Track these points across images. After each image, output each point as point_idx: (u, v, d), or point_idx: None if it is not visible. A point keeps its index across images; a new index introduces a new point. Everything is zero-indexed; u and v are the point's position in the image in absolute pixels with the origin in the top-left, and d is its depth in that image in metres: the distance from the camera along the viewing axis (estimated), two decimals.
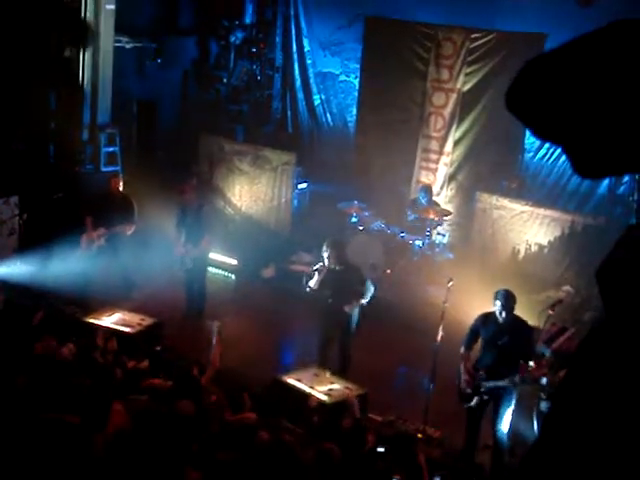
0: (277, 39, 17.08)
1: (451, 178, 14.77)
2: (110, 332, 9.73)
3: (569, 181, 13.74)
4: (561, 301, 9.95)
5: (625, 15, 1.39)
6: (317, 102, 16.76)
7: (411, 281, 13.03)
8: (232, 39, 16.31)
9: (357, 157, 15.83)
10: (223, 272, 13.88)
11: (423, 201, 13.78)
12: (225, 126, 16.48)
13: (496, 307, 8.23)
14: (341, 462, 6.38)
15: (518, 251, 13.22)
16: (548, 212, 13.07)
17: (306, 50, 16.66)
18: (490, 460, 8.65)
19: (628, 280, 1.46)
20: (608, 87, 1.33)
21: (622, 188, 13.31)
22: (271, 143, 15.90)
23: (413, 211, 13.69)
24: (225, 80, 16.55)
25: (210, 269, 12.76)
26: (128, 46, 15.10)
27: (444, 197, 14.66)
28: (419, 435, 9.00)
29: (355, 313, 10.12)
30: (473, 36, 14.13)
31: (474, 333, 8.58)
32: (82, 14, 13.58)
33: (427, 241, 13.37)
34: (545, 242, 12.99)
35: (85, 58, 13.83)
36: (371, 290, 10.10)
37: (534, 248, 13.08)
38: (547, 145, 13.39)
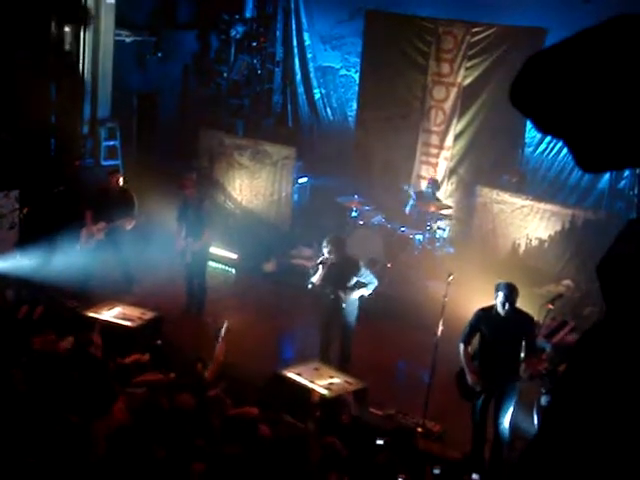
0: (277, 33, 17.06)
1: (452, 172, 14.76)
2: (101, 326, 9.72)
3: (570, 175, 13.74)
4: (561, 295, 9.94)
5: (626, 10, 1.39)
6: (317, 96, 16.75)
7: (411, 275, 13.04)
8: (232, 33, 16.29)
9: (357, 151, 15.82)
10: (223, 266, 13.88)
11: (429, 192, 13.82)
12: (225, 120, 16.47)
13: (498, 299, 8.17)
14: (345, 457, 6.40)
15: (519, 245, 13.22)
16: (549, 206, 13.07)
17: (306, 44, 16.65)
18: (489, 453, 8.65)
19: (629, 275, 1.46)
20: (610, 81, 1.33)
21: (623, 182, 13.31)
22: (271, 137, 15.89)
23: (417, 203, 13.67)
24: (225, 74, 16.53)
25: (210, 263, 12.76)
26: (128, 40, 15.08)
27: (445, 191, 14.66)
28: (419, 429, 9.01)
29: (354, 307, 10.12)
30: (474, 30, 14.11)
31: (473, 329, 8.48)
32: (82, 8, 13.57)
33: (427, 235, 13.38)
34: (545, 236, 12.98)
35: (85, 52, 13.82)
36: (374, 283, 10.10)
37: (534, 242, 13.08)
38: (548, 139, 13.39)
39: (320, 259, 10.06)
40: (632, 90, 1.32)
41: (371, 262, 12.48)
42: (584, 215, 12.80)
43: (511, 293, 8.13)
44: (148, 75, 15.77)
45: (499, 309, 8.20)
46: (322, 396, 8.69)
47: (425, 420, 9.20)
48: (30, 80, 13.33)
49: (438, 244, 13.50)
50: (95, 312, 10.39)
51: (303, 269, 13.73)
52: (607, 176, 13.12)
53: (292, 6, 16.66)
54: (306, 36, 16.61)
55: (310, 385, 8.94)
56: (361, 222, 13.68)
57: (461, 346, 8.50)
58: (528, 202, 13.18)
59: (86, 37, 13.77)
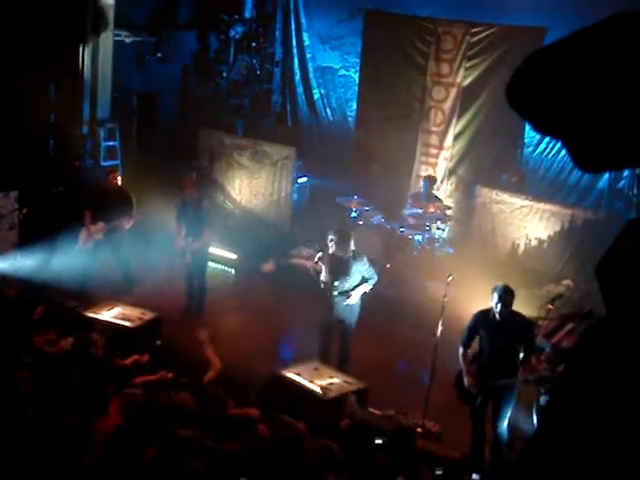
0: (277, 33, 17.07)
1: (451, 172, 14.76)
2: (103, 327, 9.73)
3: (569, 175, 13.74)
4: (561, 295, 9.93)
5: (625, 8, 1.39)
6: (317, 96, 16.75)
7: (410, 276, 13.03)
8: (232, 33, 16.29)
9: (357, 152, 15.83)
10: (223, 266, 13.88)
11: (423, 191, 13.81)
12: (225, 120, 16.47)
13: (493, 301, 8.18)
14: (342, 457, 6.40)
15: (518, 245, 13.22)
16: (548, 206, 13.07)
17: (306, 44, 16.65)
18: (489, 454, 8.65)
19: (628, 275, 1.46)
20: (608, 80, 1.33)
21: (622, 182, 13.32)
22: (271, 137, 15.89)
23: (414, 205, 13.68)
24: (225, 74, 16.53)
25: (210, 263, 12.76)
26: (128, 40, 15.08)
27: (444, 191, 14.66)
28: (418, 429, 9.00)
29: (357, 306, 10.12)
30: (473, 30, 14.11)
31: (472, 332, 8.47)
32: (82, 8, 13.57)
33: (427, 236, 13.37)
34: (545, 236, 12.99)
35: (85, 52, 13.81)
36: (374, 278, 10.10)
37: (534, 242, 13.08)
38: (547, 139, 13.39)
39: (317, 257, 10.05)
40: (631, 89, 1.32)
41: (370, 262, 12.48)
42: (583, 215, 12.81)
43: (504, 295, 8.11)
44: (148, 75, 15.77)
45: (494, 311, 8.20)
46: (325, 394, 8.69)
47: (425, 420, 9.20)
48: (29, 81, 13.34)
49: (437, 244, 13.49)
50: (95, 312, 10.39)
51: (303, 269, 13.75)
52: (606, 176, 13.13)
53: (291, 6, 16.66)
54: (305, 36, 16.61)
55: (309, 385, 8.94)
56: (360, 222, 13.68)
57: (460, 349, 8.50)
58: (527, 202, 13.19)
59: (86, 37, 13.76)
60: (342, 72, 16.39)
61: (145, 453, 5.65)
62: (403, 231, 13.43)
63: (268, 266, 13.73)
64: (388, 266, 12.99)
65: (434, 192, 14.05)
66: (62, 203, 13.08)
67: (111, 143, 14.60)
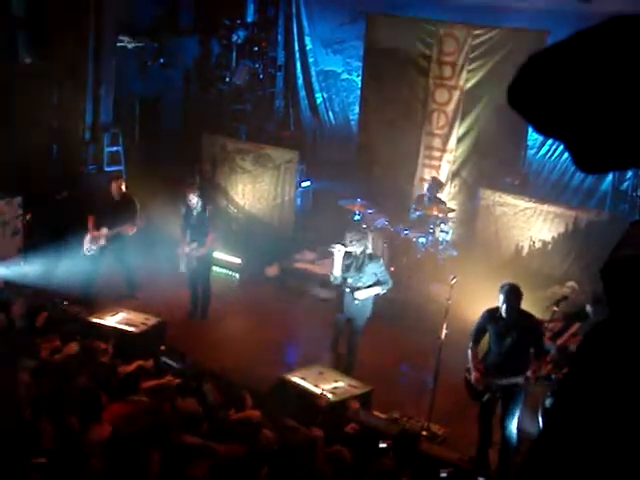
0: (279, 38, 17.08)
1: (454, 175, 14.75)
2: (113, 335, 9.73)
3: (572, 177, 13.73)
4: (566, 297, 9.92)
5: (626, 10, 1.39)
6: (319, 100, 16.76)
7: (414, 278, 13.03)
8: (234, 38, 16.31)
9: (360, 155, 15.82)
10: (227, 271, 13.88)
11: (427, 194, 13.82)
12: (228, 125, 16.49)
13: (499, 300, 8.19)
14: (352, 465, 6.39)
15: (522, 247, 13.21)
16: (551, 208, 13.06)
17: (308, 48, 16.66)
18: (497, 457, 8.63)
19: (632, 278, 1.46)
20: (609, 82, 1.33)
21: (626, 184, 13.30)
22: (274, 141, 15.91)
23: (418, 208, 13.69)
24: (227, 79, 16.55)
25: (214, 268, 12.76)
26: (130, 46, 15.11)
27: (447, 194, 14.65)
28: (423, 432, 8.99)
29: (368, 307, 10.15)
30: (475, 33, 14.10)
31: (480, 329, 8.50)
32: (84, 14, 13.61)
33: (431, 238, 13.36)
34: (549, 238, 12.97)
35: (88, 58, 13.84)
36: (389, 284, 10.13)
37: (538, 244, 13.07)
38: (550, 141, 13.38)
39: (338, 249, 10.07)
40: (631, 90, 1.32)
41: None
42: (587, 217, 12.79)
43: (510, 294, 8.11)
44: (150, 81, 15.79)
45: (501, 310, 8.21)
46: (329, 401, 8.67)
47: (429, 423, 9.19)
48: (32, 86, 13.37)
49: (441, 247, 13.48)
50: (99, 318, 10.40)
51: (307, 273, 13.76)
52: (610, 178, 13.11)
53: (293, 10, 16.67)
54: (307, 40, 16.62)
55: (316, 390, 8.94)
56: (364, 225, 13.67)
57: (470, 344, 8.52)
58: (531, 204, 13.17)
59: (88, 43, 13.79)
60: (344, 76, 16.40)
61: (150, 460, 5.64)
62: (407, 234, 13.42)
63: (272, 270, 13.73)
64: (392, 269, 12.98)
65: (438, 195, 14.05)
66: (66, 208, 13.10)
67: (114, 148, 14.63)
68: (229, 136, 16.00)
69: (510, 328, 8.20)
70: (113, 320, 10.36)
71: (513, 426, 8.35)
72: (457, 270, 10.39)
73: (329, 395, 8.83)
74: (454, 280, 9.26)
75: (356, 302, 10.01)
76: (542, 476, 1.53)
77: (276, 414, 7.49)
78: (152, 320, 10.53)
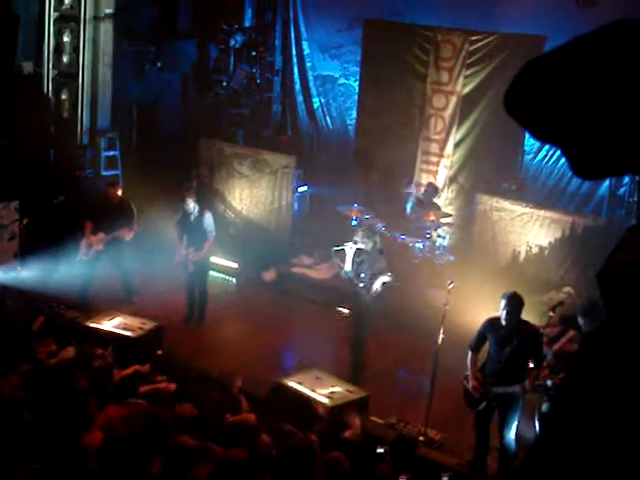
0: (276, 42, 17.08)
1: (451, 180, 14.76)
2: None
3: (569, 182, 13.73)
4: (562, 303, 9.93)
5: (625, 16, 1.39)
6: (317, 105, 16.76)
7: (411, 283, 13.02)
8: (231, 43, 16.32)
9: (357, 160, 15.83)
10: (224, 275, 13.88)
11: (424, 199, 13.84)
12: (225, 129, 16.49)
13: (501, 306, 8.19)
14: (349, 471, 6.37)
15: (519, 253, 13.21)
16: (548, 213, 13.06)
17: (305, 53, 16.67)
18: (495, 464, 8.63)
19: (629, 282, 1.46)
20: (606, 88, 1.33)
21: (622, 189, 13.30)
22: (271, 146, 15.91)
23: (413, 207, 13.71)
24: (225, 84, 16.56)
25: (211, 272, 12.75)
26: (127, 50, 15.11)
27: (445, 199, 14.66)
28: (420, 437, 8.99)
29: (379, 298, 10.25)
30: (472, 38, 14.12)
31: (481, 338, 8.50)
32: (81, 18, 13.62)
33: (427, 243, 13.37)
34: (546, 243, 12.98)
35: (84, 62, 13.85)
36: (388, 274, 10.36)
37: (535, 250, 13.07)
38: (547, 147, 13.39)
39: (349, 247, 10.27)
40: (628, 96, 1.32)
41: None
42: (584, 222, 12.80)
43: (510, 302, 8.12)
44: (148, 85, 15.79)
45: (501, 317, 8.21)
46: (325, 407, 8.66)
47: (427, 428, 9.18)
48: (29, 91, 13.37)
49: (438, 252, 13.48)
50: (95, 322, 10.39)
51: (304, 277, 13.76)
52: (607, 183, 13.12)
53: (291, 15, 16.68)
54: (305, 45, 16.63)
55: (314, 396, 8.93)
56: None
57: (469, 352, 8.52)
58: (528, 209, 13.18)
59: (85, 47, 13.80)
60: (342, 81, 16.40)
61: (149, 462, 5.63)
62: (404, 239, 13.43)
63: (269, 275, 13.73)
64: (389, 274, 12.97)
65: (434, 200, 14.06)
66: (63, 213, 13.09)
67: (111, 153, 14.62)
68: (227, 141, 16.00)
69: (510, 337, 8.20)
70: (110, 324, 10.35)
71: (511, 434, 8.35)
72: (454, 275, 10.40)
73: (326, 400, 8.82)
74: (451, 285, 9.27)
75: (371, 294, 10.16)
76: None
77: (273, 419, 7.48)
78: (149, 324, 10.52)
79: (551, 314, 9.05)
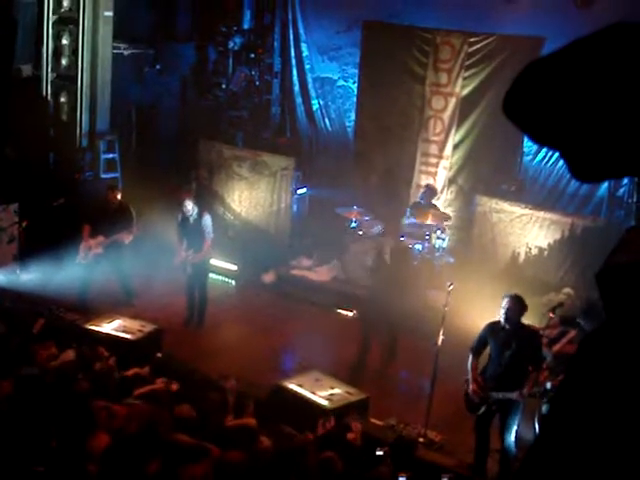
0: (275, 44, 17.08)
1: (451, 182, 14.76)
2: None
3: (568, 183, 13.73)
4: (562, 304, 9.93)
5: (623, 17, 1.39)
6: (316, 107, 16.77)
7: (411, 285, 13.00)
8: (230, 45, 16.33)
9: (356, 162, 15.83)
10: (223, 278, 13.87)
11: (422, 202, 13.81)
12: (225, 132, 16.50)
13: (502, 306, 8.18)
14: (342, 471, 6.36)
15: (518, 254, 13.21)
16: (548, 215, 13.07)
17: (304, 55, 16.67)
18: (496, 466, 8.62)
19: (629, 283, 1.46)
20: (604, 91, 1.33)
21: (622, 190, 13.31)
22: (270, 148, 15.91)
23: (412, 214, 13.69)
24: (224, 86, 16.57)
25: (210, 275, 12.75)
26: (126, 53, 15.12)
27: (444, 201, 14.66)
28: (420, 439, 8.98)
29: None
30: (471, 40, 14.13)
31: (481, 341, 8.49)
32: (80, 21, 13.63)
33: (427, 245, 13.36)
34: (545, 245, 12.98)
35: (84, 65, 13.85)
36: None
37: (534, 251, 13.07)
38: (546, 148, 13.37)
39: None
40: (627, 99, 1.32)
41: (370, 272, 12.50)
42: (583, 223, 12.81)
43: (510, 302, 8.12)
44: (147, 87, 15.80)
45: (501, 319, 8.20)
46: (325, 409, 8.66)
47: (427, 430, 9.18)
48: (28, 94, 13.37)
49: (438, 254, 13.47)
50: (95, 325, 10.39)
51: (303, 279, 13.76)
52: (606, 184, 13.11)
53: (289, 17, 16.68)
54: (304, 47, 16.63)
55: (312, 396, 8.93)
56: (360, 232, 13.68)
57: (470, 356, 8.51)
58: (527, 211, 13.18)
59: (84, 50, 13.80)
60: (341, 83, 16.40)
61: (148, 465, 5.62)
62: (403, 239, 13.41)
63: (269, 277, 13.73)
64: None
65: (433, 201, 14.05)
66: (62, 216, 13.09)
67: (111, 155, 14.62)
68: (226, 143, 16.00)
69: (510, 340, 8.19)
70: (109, 327, 10.35)
71: (511, 437, 8.35)
72: (454, 277, 10.40)
73: (326, 402, 8.83)
74: (451, 287, 9.27)
75: None
76: None
77: (273, 421, 7.48)
78: (148, 327, 10.52)
79: (551, 315, 9.05)
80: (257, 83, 16.92)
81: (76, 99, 13.97)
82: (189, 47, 16.60)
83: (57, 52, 13.80)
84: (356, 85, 15.94)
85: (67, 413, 6.38)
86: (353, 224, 13.77)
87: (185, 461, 5.55)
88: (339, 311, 12.74)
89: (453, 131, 14.57)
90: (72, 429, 5.94)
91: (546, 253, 12.98)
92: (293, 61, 16.85)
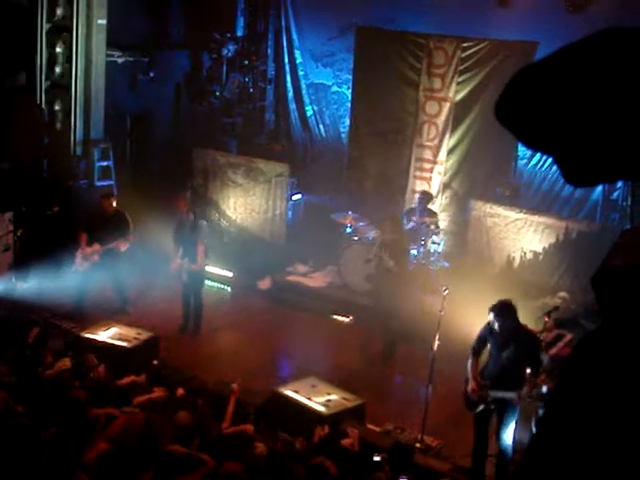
0: (269, 51, 17.12)
1: (445, 187, 14.77)
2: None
3: (563, 187, 13.75)
4: (557, 307, 9.95)
5: (615, 22, 1.40)
6: (310, 113, 16.78)
7: (406, 290, 13.01)
8: (224, 52, 16.33)
9: (350, 167, 15.85)
10: (219, 284, 13.86)
11: (418, 206, 13.81)
12: (219, 139, 16.50)
13: (490, 320, 8.17)
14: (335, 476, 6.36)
15: (513, 258, 13.23)
16: (542, 219, 13.09)
17: (298, 61, 16.69)
18: (493, 469, 8.61)
19: (624, 286, 1.47)
20: (596, 95, 1.34)
21: (616, 194, 13.33)
22: (265, 155, 15.91)
23: (409, 219, 13.69)
24: (218, 93, 16.57)
25: (206, 282, 12.73)
26: (120, 60, 15.11)
27: (439, 206, 14.66)
28: (417, 444, 8.98)
29: None
30: (464, 45, 14.15)
31: (481, 340, 8.47)
32: (73, 29, 13.62)
33: (422, 250, 13.36)
34: (540, 249, 12.99)
35: (77, 73, 13.84)
36: None
37: (529, 255, 13.08)
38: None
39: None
40: (619, 103, 1.33)
41: (367, 278, 12.51)
42: (578, 227, 12.83)
43: (497, 311, 8.09)
44: (141, 95, 15.79)
45: (494, 328, 8.19)
46: (321, 415, 8.65)
47: (423, 435, 9.17)
48: (22, 102, 13.36)
49: (433, 258, 13.47)
50: (91, 333, 10.37)
51: (299, 285, 13.75)
52: (600, 188, 13.15)
53: (283, 24, 16.71)
54: (297, 53, 16.66)
55: (308, 403, 8.92)
56: (355, 238, 13.68)
57: (470, 355, 8.51)
58: (522, 215, 13.20)
59: (78, 58, 13.80)
60: (335, 88, 16.43)
61: (142, 476, 5.62)
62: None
63: (264, 283, 13.73)
64: None
65: (428, 206, 14.04)
66: (57, 224, 13.07)
67: (105, 163, 14.59)
68: (220, 149, 16.00)
69: (508, 341, 8.18)
70: (105, 335, 10.34)
71: (508, 437, 8.34)
72: (449, 281, 10.41)
73: (322, 408, 8.83)
74: (446, 291, 9.27)
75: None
76: None
77: (269, 427, 7.48)
78: (144, 335, 10.52)
79: (546, 319, 9.05)
80: (251, 90, 16.94)
81: (70, 107, 13.96)
82: (183, 54, 16.61)
83: (51, 60, 13.78)
84: (350, 91, 15.96)
85: (63, 421, 6.37)
86: (348, 230, 13.77)
87: (179, 472, 5.54)
88: (335, 317, 12.74)
89: (447, 136, 14.59)
90: (68, 437, 5.93)
91: (541, 257, 12.99)
92: (287, 67, 16.87)
